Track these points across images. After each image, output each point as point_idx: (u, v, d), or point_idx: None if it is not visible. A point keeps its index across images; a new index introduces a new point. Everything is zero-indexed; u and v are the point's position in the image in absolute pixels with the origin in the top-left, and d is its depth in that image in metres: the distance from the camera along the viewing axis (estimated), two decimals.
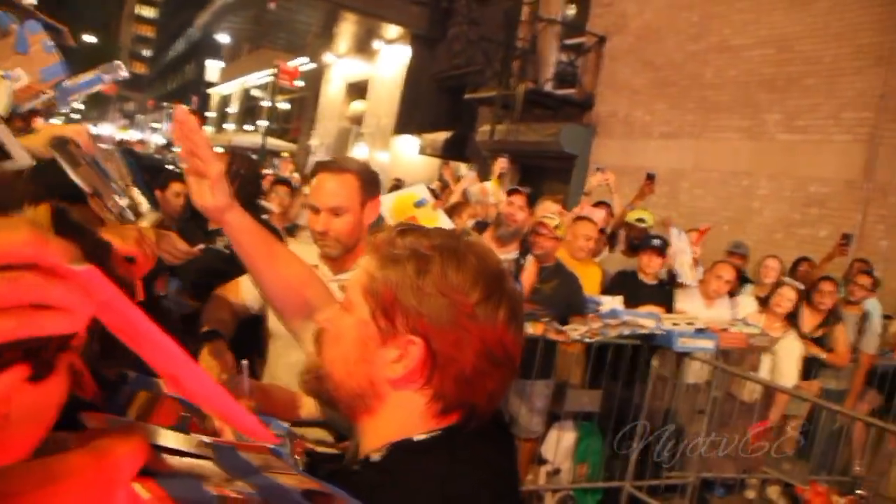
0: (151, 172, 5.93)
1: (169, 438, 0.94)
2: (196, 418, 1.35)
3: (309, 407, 2.13)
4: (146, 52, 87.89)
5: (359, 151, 20.68)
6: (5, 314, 0.49)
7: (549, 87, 13.98)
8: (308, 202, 2.44)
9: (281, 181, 7.12)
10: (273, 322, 2.52)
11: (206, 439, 1.03)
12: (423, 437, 1.11)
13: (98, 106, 78.38)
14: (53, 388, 0.88)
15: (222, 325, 2.47)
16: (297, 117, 30.85)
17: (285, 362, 2.56)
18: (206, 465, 0.90)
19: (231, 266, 3.61)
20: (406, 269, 1.11)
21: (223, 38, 38.22)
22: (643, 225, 6.61)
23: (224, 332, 2.42)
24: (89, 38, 50.93)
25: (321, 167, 2.45)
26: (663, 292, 5.85)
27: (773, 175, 9.91)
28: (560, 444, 5.11)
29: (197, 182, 1.57)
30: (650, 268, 5.71)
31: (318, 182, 2.40)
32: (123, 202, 1.97)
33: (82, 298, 0.52)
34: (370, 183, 2.43)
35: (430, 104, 18.49)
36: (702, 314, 5.65)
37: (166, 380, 0.68)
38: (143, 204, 2.05)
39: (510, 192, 4.90)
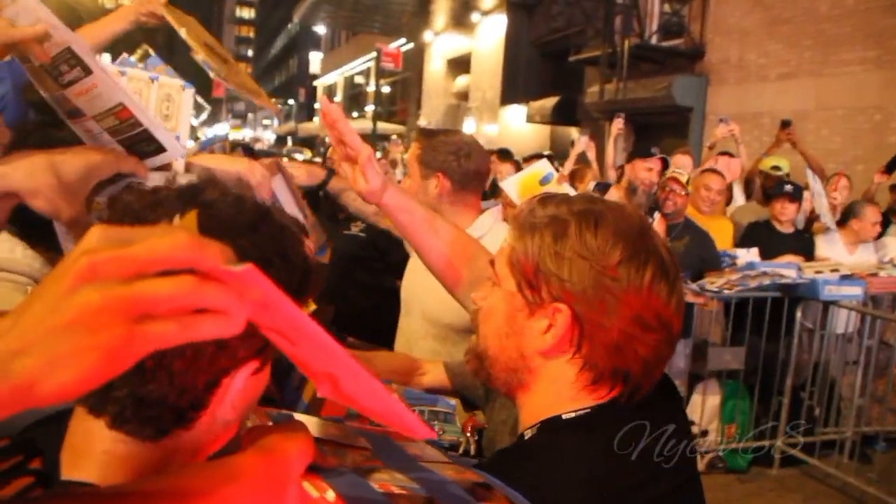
0: None
1: (323, 428, 0.95)
2: None
3: (435, 375, 2.16)
4: (249, 52, 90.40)
5: (468, 126, 20.67)
6: (168, 318, 0.50)
7: (654, 40, 13.56)
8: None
9: None
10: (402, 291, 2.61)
11: (362, 427, 1.04)
12: (571, 414, 1.09)
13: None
14: (263, 380, 0.92)
15: None
16: (401, 99, 31.09)
17: (400, 327, 2.65)
18: (365, 457, 0.91)
19: (368, 250, 3.70)
20: (545, 236, 1.10)
21: (321, 28, 38.82)
22: (779, 173, 6.34)
23: None
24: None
25: (417, 132, 2.64)
26: (801, 240, 5.60)
27: None
28: (705, 404, 4.98)
29: (350, 168, 1.59)
30: (784, 215, 5.48)
31: None
32: (293, 209, 2.06)
33: (238, 300, 0.52)
34: (429, 158, 2.52)
35: (534, 71, 18.27)
36: (846, 260, 5.39)
37: (320, 380, 0.67)
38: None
39: (645, 156, 4.77)
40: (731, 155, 6.54)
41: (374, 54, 26.08)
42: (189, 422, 0.78)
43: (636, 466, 1.04)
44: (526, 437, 1.12)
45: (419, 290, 2.53)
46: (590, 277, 1.05)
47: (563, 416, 1.09)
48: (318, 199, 3.98)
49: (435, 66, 24.90)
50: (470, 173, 2.55)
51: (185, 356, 0.73)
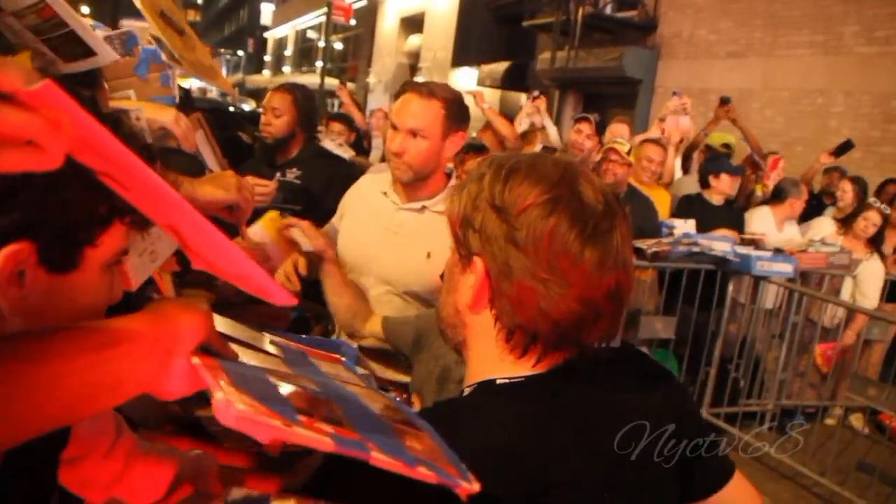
0: (215, 115, 5.93)
1: (239, 331, 0.90)
2: None
3: (373, 324, 2.14)
4: (198, 0, 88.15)
5: None
6: None
7: (608, 10, 13.54)
8: (390, 119, 2.37)
9: (336, 117, 7.08)
10: (341, 250, 2.50)
11: (279, 339, 1.00)
12: (505, 380, 1.05)
13: None
14: (78, 284, 0.86)
15: None
16: (352, 56, 30.69)
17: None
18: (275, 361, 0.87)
19: (303, 197, 3.59)
20: (469, 190, 1.06)
21: None
22: (727, 151, 6.39)
23: None
24: None
25: (409, 87, 2.36)
26: (732, 213, 5.66)
27: (849, 91, 9.46)
28: None
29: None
30: (731, 190, 5.54)
31: (402, 101, 2.32)
32: (214, 165, 2.00)
33: (49, 127, 0.44)
34: (457, 114, 2.33)
35: (487, 35, 18.14)
36: (776, 236, 5.47)
37: (166, 230, 0.60)
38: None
39: (577, 120, 4.73)
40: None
41: (325, 9, 25.58)
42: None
43: (559, 445, 0.99)
44: (464, 395, 1.09)
45: (379, 255, 2.41)
46: (497, 227, 1.01)
47: (497, 381, 1.05)
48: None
49: (388, 24, 24.58)
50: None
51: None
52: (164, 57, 2.29)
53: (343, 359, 0.87)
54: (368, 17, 25.70)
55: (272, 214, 2.52)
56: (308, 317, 3.12)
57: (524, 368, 1.05)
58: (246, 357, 0.80)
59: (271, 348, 0.92)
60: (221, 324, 0.81)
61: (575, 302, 0.99)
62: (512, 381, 1.04)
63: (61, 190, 0.77)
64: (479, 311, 1.06)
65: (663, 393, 1.14)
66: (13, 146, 0.44)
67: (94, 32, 1.13)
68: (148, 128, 1.89)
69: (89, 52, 1.14)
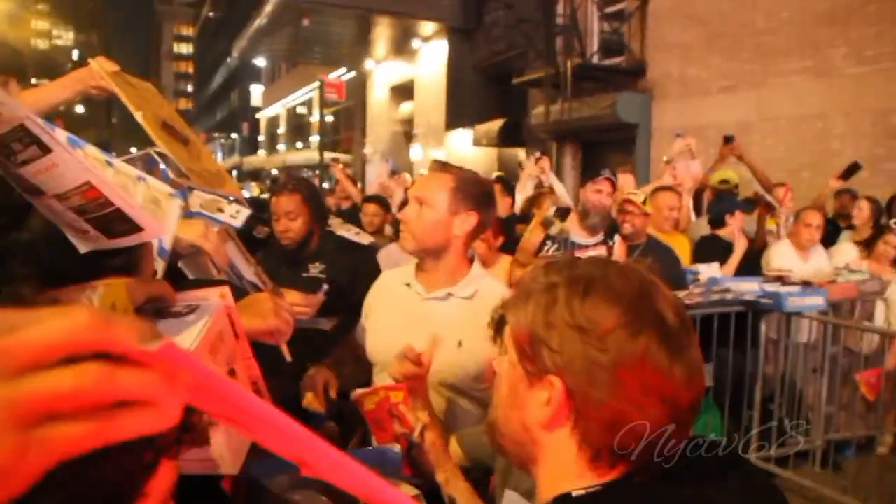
0: None
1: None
2: None
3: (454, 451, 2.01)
4: (189, 88, 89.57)
5: (414, 152, 20.66)
6: (79, 418, 0.39)
7: (596, 59, 13.69)
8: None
9: (371, 199, 7.02)
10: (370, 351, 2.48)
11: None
12: (581, 492, 1.00)
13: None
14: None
15: None
16: (344, 127, 31.02)
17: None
18: None
19: (329, 291, 3.57)
20: (538, 303, 1.03)
21: (260, 61, 38.65)
22: (727, 186, 6.39)
23: None
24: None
25: (433, 164, 2.45)
26: (749, 248, 5.64)
27: (847, 112, 9.49)
28: None
29: None
30: (742, 226, 5.54)
31: (421, 176, 2.40)
32: (250, 276, 1.95)
33: (166, 385, 0.41)
34: (468, 193, 2.34)
35: (478, 95, 18.29)
36: (801, 268, 5.42)
37: (294, 461, 0.57)
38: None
39: (595, 179, 4.72)
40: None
41: (315, 84, 25.92)
42: None
43: None
44: None
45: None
46: (578, 349, 0.98)
47: (574, 494, 1.01)
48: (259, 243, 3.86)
49: (378, 94, 24.86)
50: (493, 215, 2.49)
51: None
52: (171, 174, 2.28)
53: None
54: (358, 89, 26.02)
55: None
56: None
57: (595, 477, 1.02)
58: None
59: None
60: None
61: (667, 419, 0.97)
62: (589, 490, 1.00)
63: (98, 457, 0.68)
64: (554, 430, 1.03)
65: (742, 482, 1.09)
66: (127, 410, 0.41)
67: (139, 207, 1.10)
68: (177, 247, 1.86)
69: (135, 228, 1.12)
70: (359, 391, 2.12)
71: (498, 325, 1.12)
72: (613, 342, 0.96)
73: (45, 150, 0.95)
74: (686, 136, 6.72)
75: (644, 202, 4.82)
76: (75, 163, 0.98)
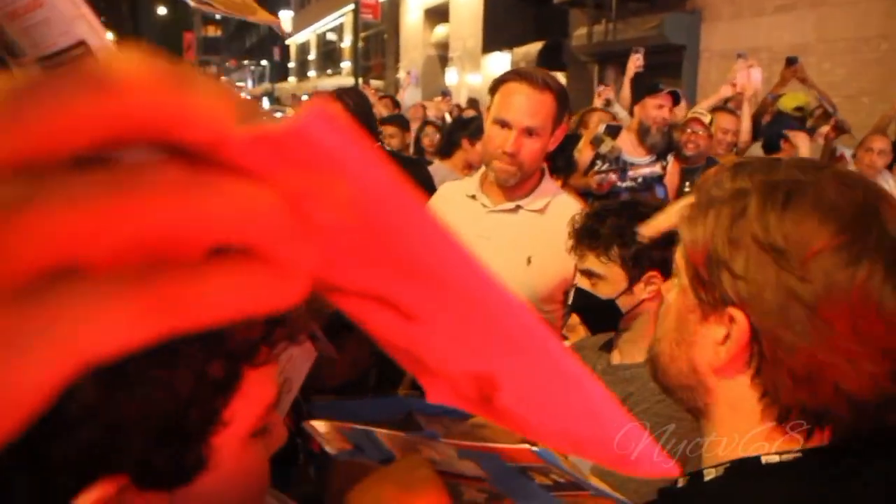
0: None
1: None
2: None
3: None
4: (217, 14, 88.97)
5: (450, 77, 20.32)
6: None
7: None
8: (496, 115, 2.09)
9: (388, 120, 6.80)
10: None
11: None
12: (773, 458, 0.78)
13: None
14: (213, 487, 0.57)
15: None
16: (375, 53, 30.66)
17: None
18: None
19: None
20: (721, 215, 0.78)
21: None
22: (800, 114, 6.06)
23: None
24: (161, 11, 52.87)
25: (515, 76, 2.10)
26: None
27: None
28: None
29: None
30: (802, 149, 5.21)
31: (511, 94, 2.05)
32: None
33: (285, 211, 0.19)
34: (564, 107, 2.12)
35: (516, 17, 17.88)
36: None
37: (452, 381, 0.30)
38: None
39: (653, 93, 4.41)
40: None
41: (343, 10, 25.44)
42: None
43: None
44: (706, 478, 0.82)
45: None
46: (771, 275, 0.74)
47: (764, 460, 0.78)
48: None
49: (412, 17, 24.47)
50: None
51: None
52: (191, 2, 2.05)
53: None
54: (390, 12, 25.63)
55: None
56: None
57: (795, 442, 0.79)
58: None
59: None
60: None
61: (886, 379, 0.73)
62: (783, 458, 0.78)
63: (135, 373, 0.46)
64: (731, 376, 0.81)
65: None
66: (213, 267, 0.19)
67: None
68: None
69: None
70: None
71: (580, 234, 0.87)
72: (820, 269, 0.72)
73: None
74: (748, 56, 6.41)
75: (710, 123, 4.53)
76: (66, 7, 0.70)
